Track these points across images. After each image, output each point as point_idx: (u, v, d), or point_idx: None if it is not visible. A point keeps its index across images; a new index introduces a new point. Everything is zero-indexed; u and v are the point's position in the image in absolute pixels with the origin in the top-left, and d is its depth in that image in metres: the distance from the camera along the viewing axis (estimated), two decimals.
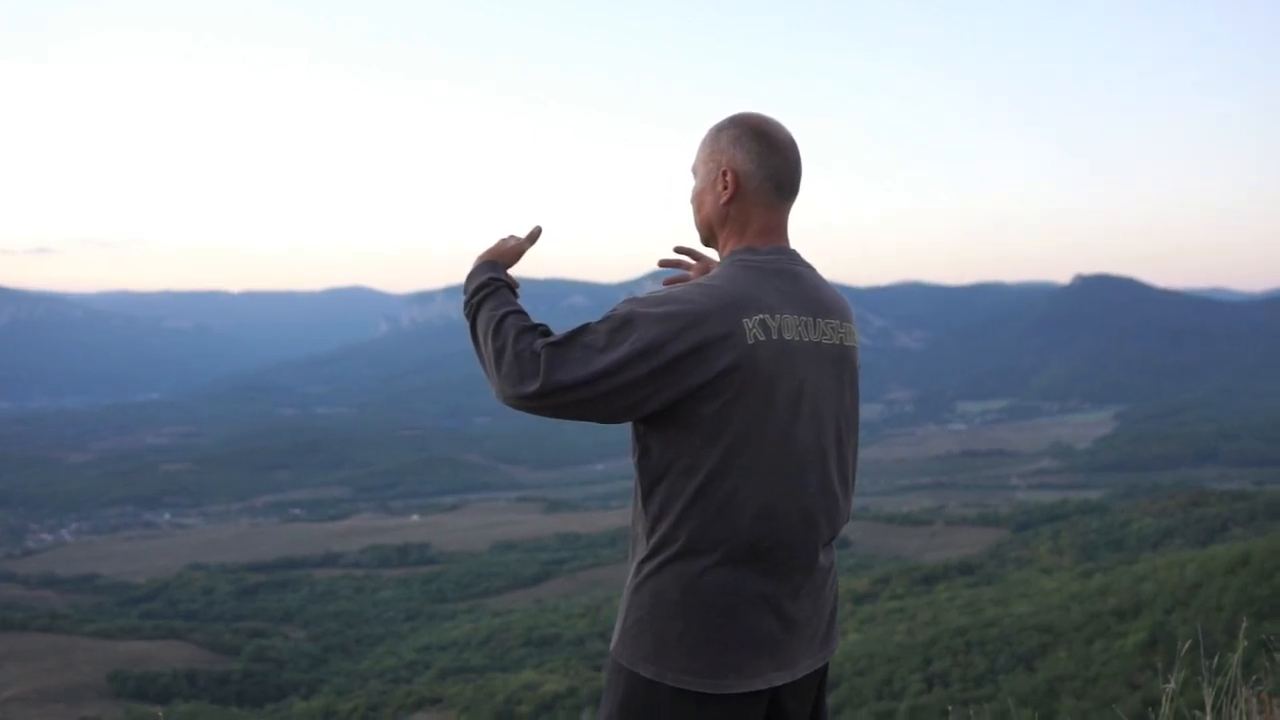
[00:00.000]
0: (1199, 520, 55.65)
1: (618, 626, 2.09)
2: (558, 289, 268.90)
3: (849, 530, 75.46)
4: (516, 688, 37.56)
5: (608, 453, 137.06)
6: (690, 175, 2.26)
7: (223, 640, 54.45)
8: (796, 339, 2.04)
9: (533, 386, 1.96)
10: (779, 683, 2.04)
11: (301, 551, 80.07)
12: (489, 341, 2.07)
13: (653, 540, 2.04)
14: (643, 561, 2.05)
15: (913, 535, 71.45)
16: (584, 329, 2.00)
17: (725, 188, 2.13)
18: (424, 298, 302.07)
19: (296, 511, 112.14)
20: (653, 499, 2.04)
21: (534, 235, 2.33)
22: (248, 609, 64.92)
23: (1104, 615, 32.53)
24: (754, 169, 2.12)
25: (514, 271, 2.30)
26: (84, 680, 48.64)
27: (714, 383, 1.95)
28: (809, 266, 2.17)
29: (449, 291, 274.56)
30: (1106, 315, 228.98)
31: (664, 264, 2.50)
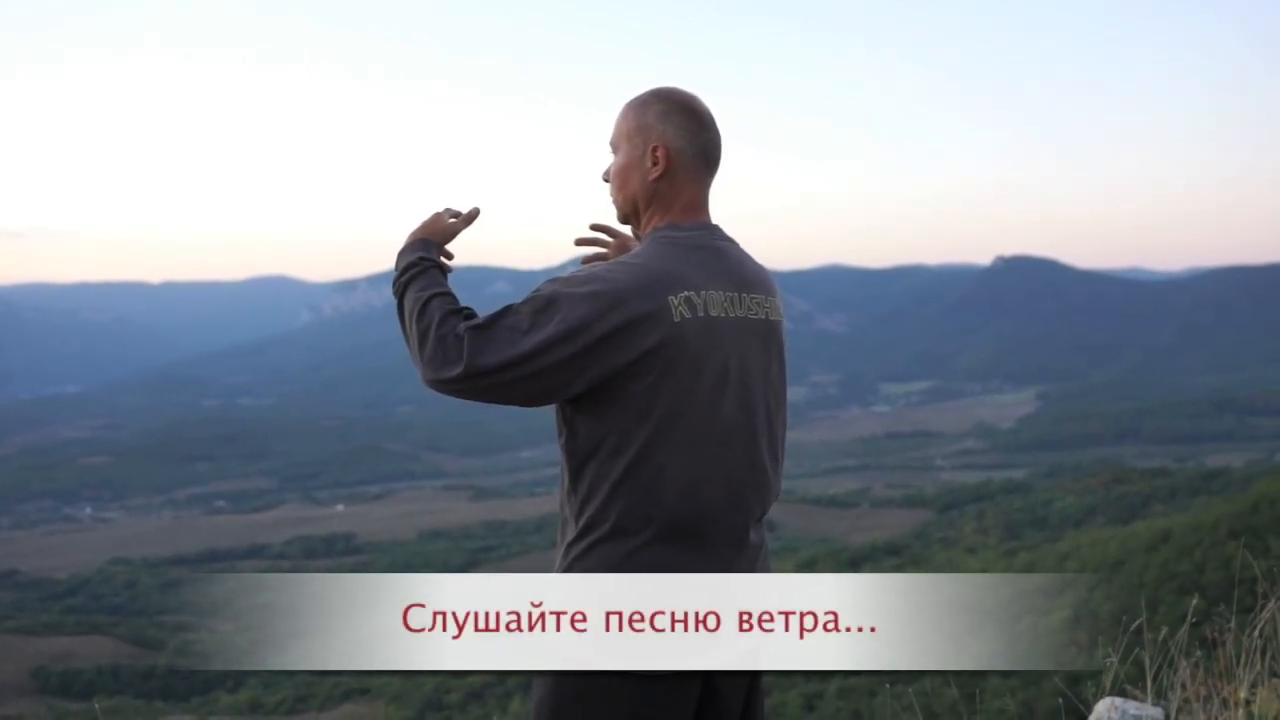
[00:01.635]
0: (1120, 498, 56.79)
1: None
2: (481, 275, 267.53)
3: (775, 513, 75.88)
4: (445, 677, 37.46)
5: (534, 439, 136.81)
6: (608, 150, 2.21)
7: (147, 635, 53.81)
8: (722, 315, 2.03)
9: (455, 370, 1.95)
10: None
11: (226, 544, 79.14)
12: (414, 323, 2.04)
13: (581, 521, 2.02)
14: (571, 544, 2.04)
15: (839, 517, 72.20)
16: (507, 310, 1.98)
17: (655, 164, 2.11)
18: (347, 286, 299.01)
19: (220, 504, 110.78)
20: (581, 480, 2.02)
21: (471, 216, 2.29)
22: (172, 603, 64.09)
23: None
24: (685, 145, 2.11)
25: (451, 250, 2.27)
26: (5, 679, 47.89)
27: (640, 361, 1.94)
28: (732, 242, 2.16)
29: (372, 280, 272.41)
30: (1027, 296, 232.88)
31: (580, 243, 2.46)
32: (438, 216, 2.26)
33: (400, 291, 2.12)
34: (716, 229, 2.16)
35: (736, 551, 2.06)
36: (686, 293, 1.99)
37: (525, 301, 1.98)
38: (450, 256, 2.26)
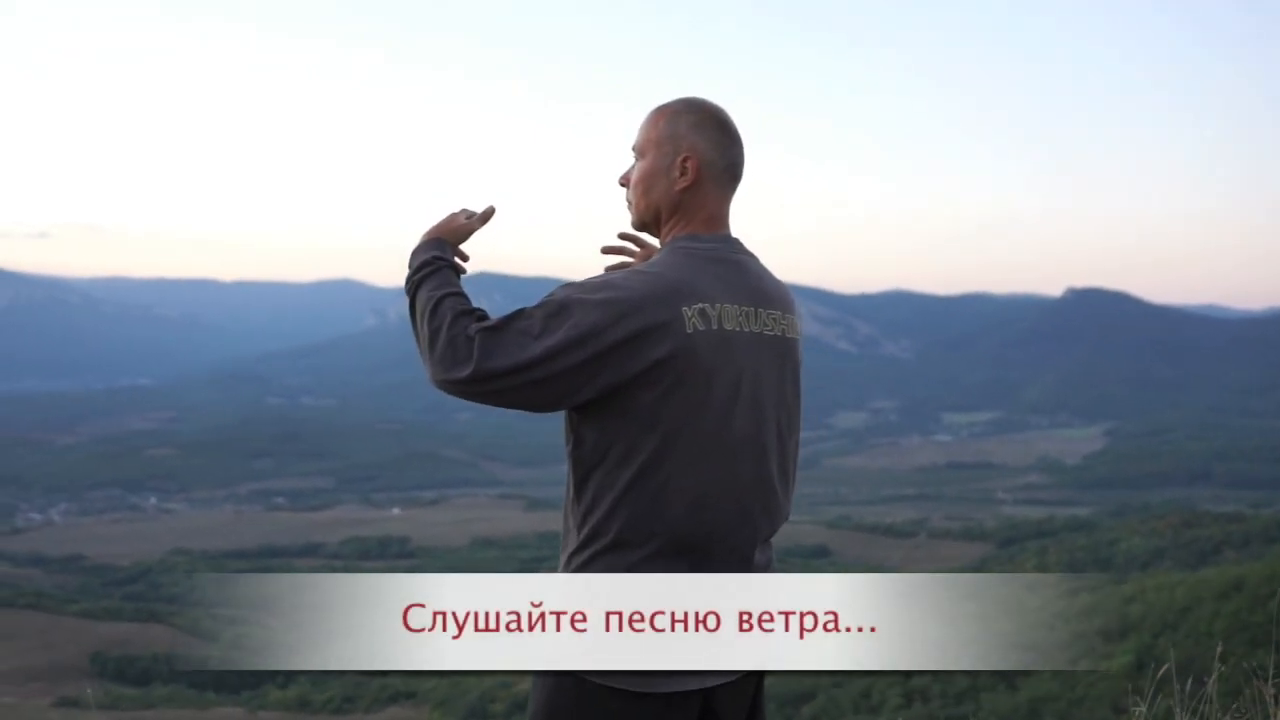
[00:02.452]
0: (1191, 542, 55.64)
1: None
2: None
3: (829, 538, 76.02)
4: (491, 685, 37.57)
5: None
6: (633, 156, 2.18)
7: (202, 626, 54.33)
8: (737, 329, 2.00)
9: (464, 372, 1.93)
10: (712, 683, 1.99)
11: (283, 540, 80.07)
12: (425, 323, 2.02)
13: (584, 532, 2.00)
14: (573, 554, 2.01)
15: (894, 547, 71.48)
16: (519, 314, 1.95)
17: (683, 174, 2.09)
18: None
19: (279, 500, 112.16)
20: (585, 490, 2.00)
21: (486, 215, 2.26)
22: (227, 596, 64.80)
23: (1090, 636, 32.51)
24: (716, 158, 2.09)
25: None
26: (66, 660, 48.80)
27: (651, 371, 1.92)
28: (752, 256, 2.14)
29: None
30: (1098, 329, 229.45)
31: (607, 251, 2.43)
32: (453, 216, 2.24)
33: (412, 290, 2.10)
34: (736, 242, 2.14)
35: (738, 570, 2.03)
36: (701, 304, 1.96)
37: (538, 305, 1.96)
38: (466, 258, 2.24)
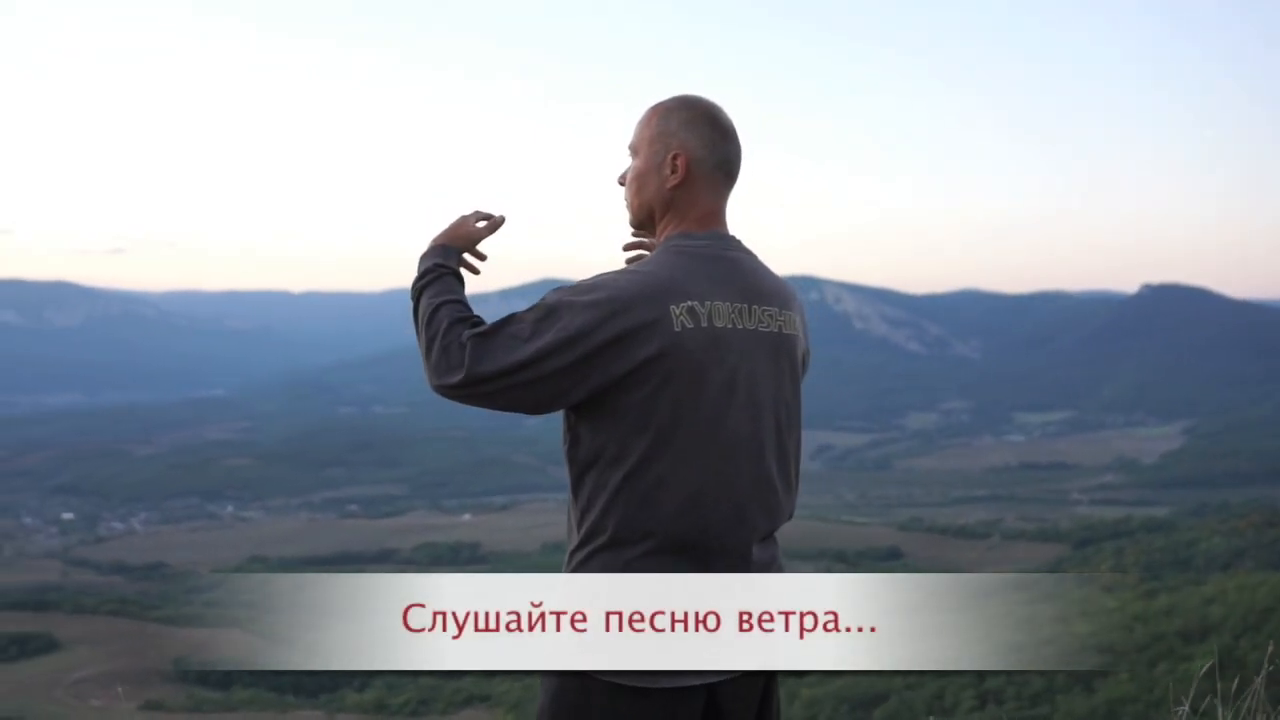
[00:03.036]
0: (1272, 541, 54.48)
1: None
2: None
3: (900, 541, 75.38)
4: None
5: None
6: (628, 154, 2.20)
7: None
8: (729, 326, 2.00)
9: (457, 377, 1.97)
10: (715, 679, 2.00)
11: (357, 547, 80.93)
12: (423, 331, 2.08)
13: (582, 531, 2.02)
14: (573, 552, 2.04)
15: (967, 549, 70.73)
16: (511, 319, 2.00)
17: (674, 171, 2.10)
18: (478, 300, 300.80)
19: (353, 508, 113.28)
20: (582, 489, 2.02)
21: (496, 224, 2.29)
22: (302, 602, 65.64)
23: (1169, 637, 31.98)
24: (706, 155, 2.10)
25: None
26: (150, 665, 49.75)
27: (639, 371, 1.93)
28: (748, 253, 2.14)
29: (504, 294, 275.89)
30: (1176, 326, 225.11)
31: (629, 248, 2.44)
32: (463, 220, 2.27)
33: (415, 298, 2.15)
34: (731, 239, 2.13)
35: (738, 568, 2.03)
36: (690, 302, 1.97)
37: (529, 309, 2.00)
38: (483, 257, 2.30)
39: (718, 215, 2.12)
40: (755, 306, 2.06)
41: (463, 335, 1.99)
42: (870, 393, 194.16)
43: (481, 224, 2.28)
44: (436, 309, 2.07)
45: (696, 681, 1.97)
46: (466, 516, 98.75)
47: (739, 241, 2.14)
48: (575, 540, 2.04)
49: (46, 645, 52.47)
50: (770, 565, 2.11)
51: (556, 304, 1.96)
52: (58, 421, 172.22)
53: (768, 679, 2.14)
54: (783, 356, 2.10)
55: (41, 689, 45.31)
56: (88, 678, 47.50)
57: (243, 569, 74.25)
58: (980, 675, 31.94)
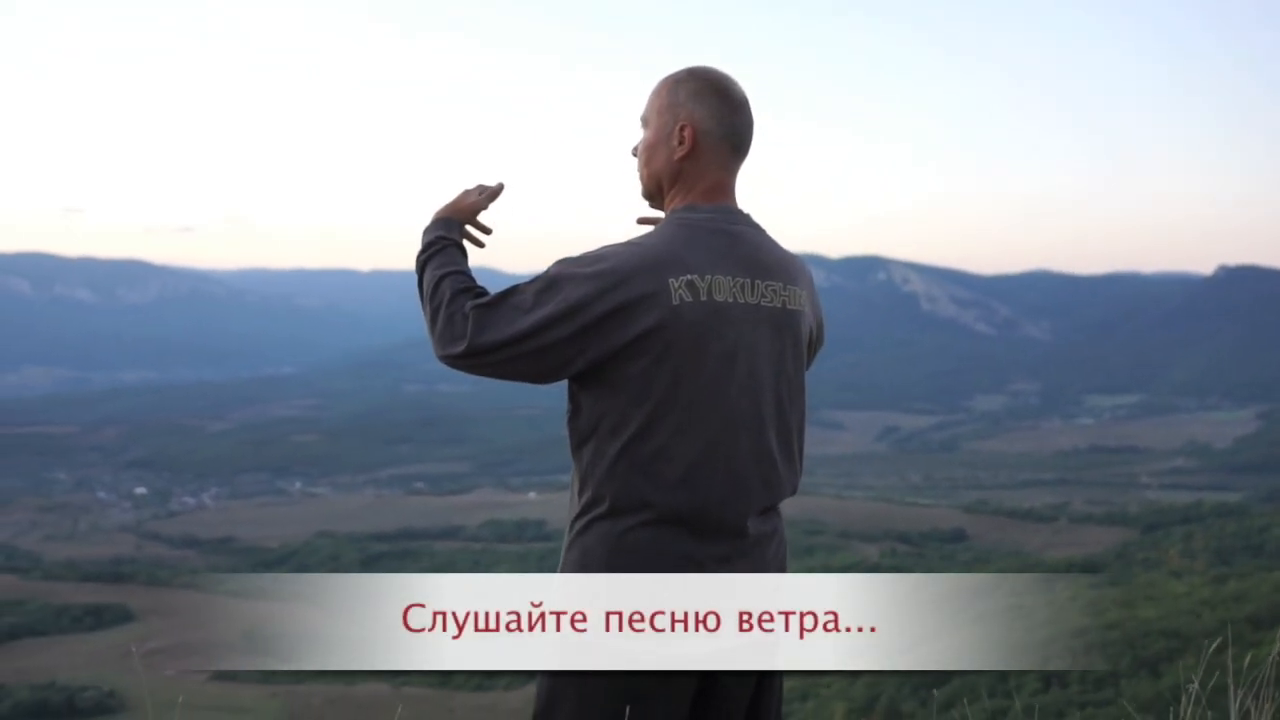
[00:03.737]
0: None
1: None
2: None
3: (965, 523, 74.75)
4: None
5: None
6: (640, 126, 2.20)
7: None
8: (730, 300, 2.00)
9: (460, 347, 2.01)
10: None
11: (423, 524, 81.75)
12: (428, 302, 2.12)
13: (582, 499, 2.04)
14: (573, 521, 2.06)
15: (1034, 531, 70.03)
16: (514, 290, 2.02)
17: (681, 143, 2.09)
18: (505, 278, 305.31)
19: (419, 485, 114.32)
20: (581, 459, 2.04)
21: (495, 192, 2.30)
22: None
23: (1238, 623, 31.50)
24: (714, 126, 2.09)
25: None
26: (221, 637, 50.73)
27: (637, 343, 1.95)
28: (754, 227, 2.12)
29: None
30: (1252, 308, 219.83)
31: (642, 221, 2.39)
32: (465, 193, 2.29)
33: (419, 270, 2.20)
34: (737, 213, 2.11)
35: (736, 541, 2.03)
36: (689, 276, 1.97)
37: (531, 281, 2.02)
38: (488, 231, 2.31)
39: (725, 188, 2.12)
40: (758, 281, 2.05)
41: (466, 306, 2.03)
42: (937, 374, 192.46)
43: (481, 195, 2.30)
44: (440, 280, 2.10)
45: (689, 665, 1.99)
46: (532, 494, 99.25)
47: (747, 216, 2.13)
48: (575, 509, 2.06)
49: (121, 616, 53.62)
50: (770, 538, 2.11)
51: (558, 275, 1.98)
52: (130, 398, 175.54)
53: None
54: (786, 332, 2.09)
55: (116, 659, 46.28)
56: (161, 648, 48.46)
57: (310, 544, 75.41)
58: (1044, 658, 31.64)
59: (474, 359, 2.02)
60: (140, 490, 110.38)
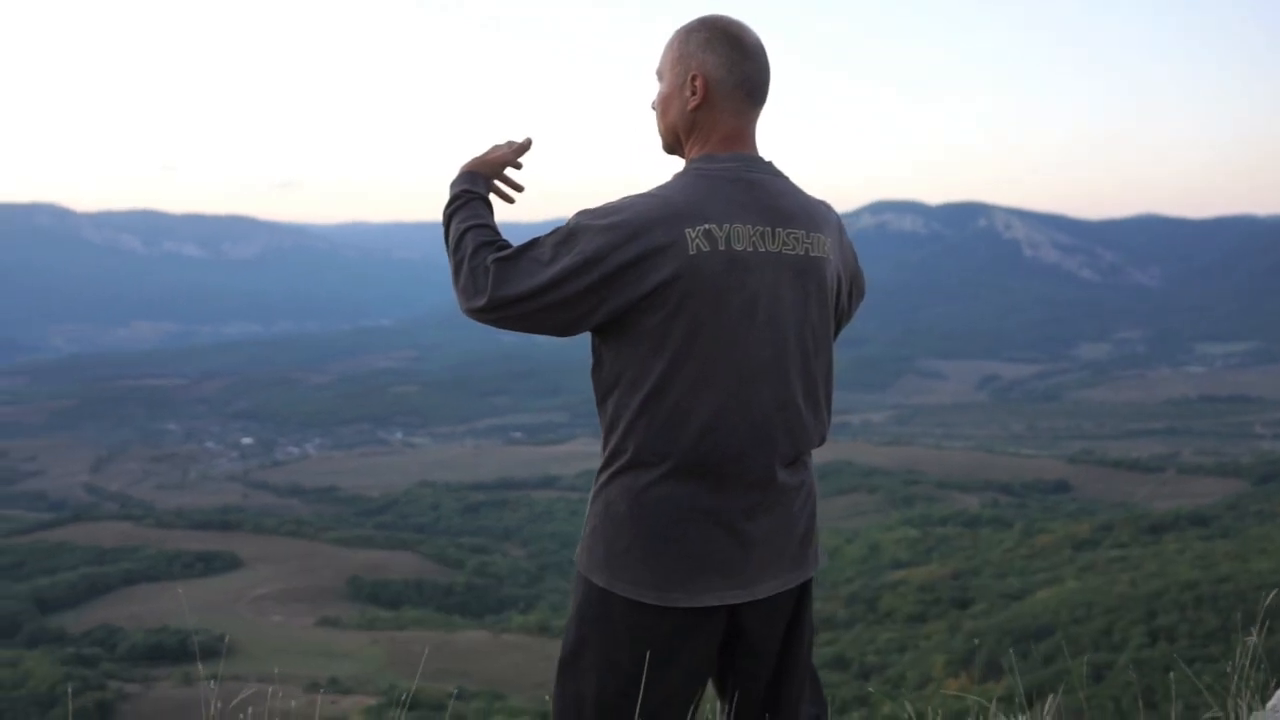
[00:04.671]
0: None
1: (582, 534, 2.10)
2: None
3: (1069, 474, 73.64)
4: None
5: None
6: (655, 79, 2.17)
7: (448, 554, 57.11)
8: (750, 249, 1.98)
9: (481, 300, 2.00)
10: (734, 601, 2.00)
11: (521, 473, 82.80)
12: (452, 255, 2.10)
13: (606, 451, 2.04)
14: (599, 472, 2.06)
15: (1141, 482, 68.78)
16: (534, 243, 2.00)
17: (694, 93, 2.06)
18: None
19: (516, 435, 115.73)
20: (604, 411, 2.04)
21: (522, 147, 2.30)
22: (471, 525, 67.68)
23: None
24: (725, 75, 2.05)
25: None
26: (325, 583, 51.97)
27: (655, 294, 1.93)
28: (776, 174, 2.08)
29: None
30: None
31: None
32: (493, 148, 2.29)
33: (445, 224, 2.18)
34: (756, 161, 2.08)
35: (761, 492, 2.01)
36: (706, 225, 1.95)
37: (550, 234, 2.00)
38: (520, 188, 2.30)
39: (742, 136, 2.08)
40: (779, 229, 2.02)
41: (487, 259, 2.02)
42: (1039, 322, 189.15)
43: (508, 151, 2.29)
44: (464, 234, 2.10)
45: (714, 601, 1.98)
46: None
47: (768, 164, 2.09)
48: (601, 461, 2.06)
49: (230, 563, 55.29)
50: (797, 490, 2.08)
51: (576, 227, 1.97)
52: (236, 351, 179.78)
53: (798, 598, 2.13)
54: (809, 279, 2.05)
55: (226, 604, 47.67)
56: (268, 594, 49.83)
57: (411, 493, 76.71)
58: (1152, 612, 31.13)
59: (495, 312, 2.00)
60: (246, 440, 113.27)
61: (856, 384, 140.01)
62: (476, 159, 2.28)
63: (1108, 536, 45.47)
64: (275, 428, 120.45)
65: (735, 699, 2.12)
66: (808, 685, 2.21)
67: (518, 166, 2.31)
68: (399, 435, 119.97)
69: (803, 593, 2.13)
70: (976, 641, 29.34)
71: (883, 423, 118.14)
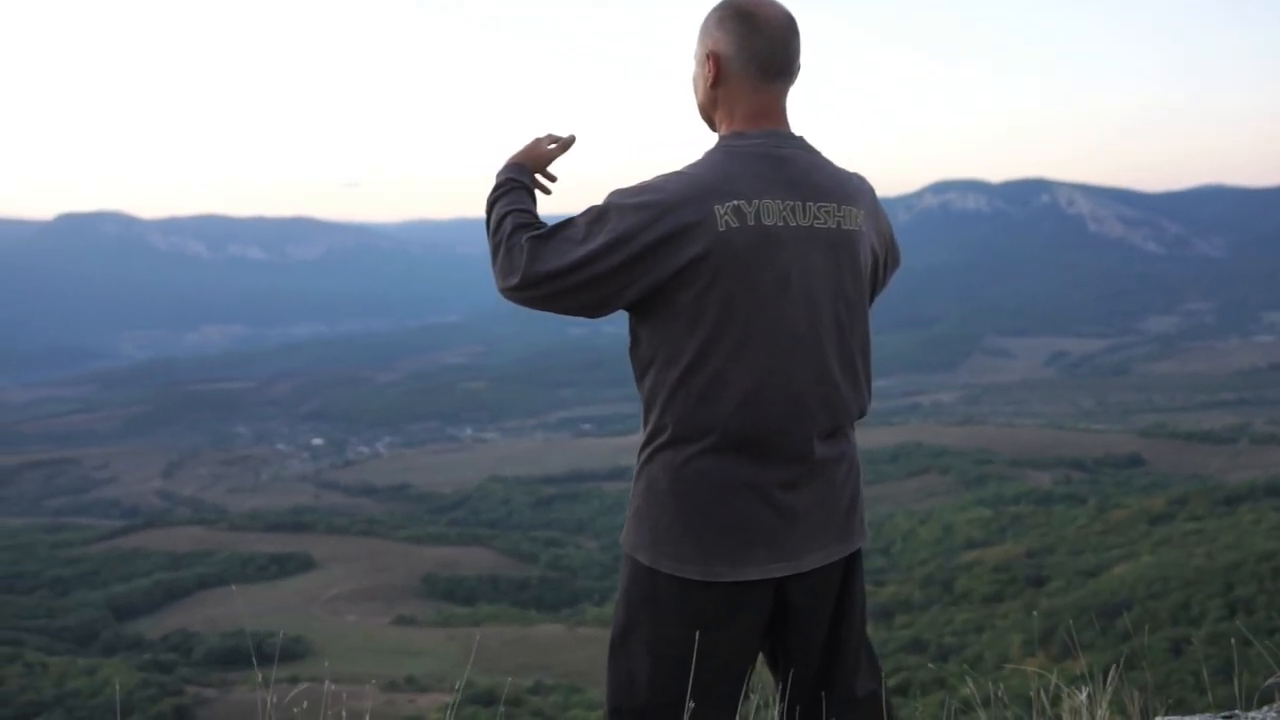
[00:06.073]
0: None
1: (626, 515, 2.13)
2: None
3: (1141, 448, 72.50)
4: None
5: (889, 367, 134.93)
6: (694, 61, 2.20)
7: (521, 548, 57.25)
8: (780, 224, 2.00)
9: (515, 279, 2.04)
10: (779, 574, 2.02)
11: (591, 465, 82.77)
12: (491, 238, 2.14)
13: (647, 429, 2.09)
14: (641, 449, 2.10)
15: (1213, 454, 67.66)
16: (567, 223, 2.04)
17: (711, 71, 2.10)
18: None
19: (585, 427, 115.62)
20: (643, 389, 2.08)
21: (567, 144, 2.34)
22: (543, 519, 67.88)
23: None
24: (735, 52, 2.07)
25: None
26: (399, 581, 52.27)
27: (686, 271, 1.96)
28: (807, 149, 2.10)
29: None
30: None
31: None
32: (537, 142, 2.33)
33: (489, 208, 2.22)
34: (787, 136, 2.10)
35: (801, 465, 2.03)
36: (735, 201, 1.97)
37: (583, 213, 2.04)
38: (554, 179, 2.34)
39: (769, 112, 2.10)
40: (810, 203, 2.04)
41: (522, 239, 2.06)
42: (1106, 296, 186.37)
43: (552, 145, 2.34)
44: (504, 218, 2.14)
45: (757, 575, 2.01)
46: None
47: (799, 139, 2.11)
48: (642, 439, 2.11)
49: (304, 564, 55.66)
50: (838, 462, 2.10)
51: (608, 207, 2.01)
52: (303, 351, 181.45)
53: (846, 571, 2.14)
54: (843, 252, 2.07)
55: (300, 605, 48.13)
56: (342, 594, 50.27)
57: (483, 489, 77.11)
58: (1229, 585, 30.71)
59: (529, 290, 2.04)
60: (317, 441, 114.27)
61: (925, 364, 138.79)
62: (523, 152, 2.32)
63: (1182, 510, 44.85)
64: (345, 427, 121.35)
65: (789, 675, 2.13)
66: (863, 659, 2.20)
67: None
68: (469, 431, 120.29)
69: (851, 565, 2.14)
70: (1053, 619, 29.18)
71: (952, 403, 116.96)
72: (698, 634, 1.99)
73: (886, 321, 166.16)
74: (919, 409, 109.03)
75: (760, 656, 2.16)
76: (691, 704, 1.98)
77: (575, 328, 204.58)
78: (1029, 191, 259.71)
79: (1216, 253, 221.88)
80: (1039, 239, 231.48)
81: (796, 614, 2.10)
